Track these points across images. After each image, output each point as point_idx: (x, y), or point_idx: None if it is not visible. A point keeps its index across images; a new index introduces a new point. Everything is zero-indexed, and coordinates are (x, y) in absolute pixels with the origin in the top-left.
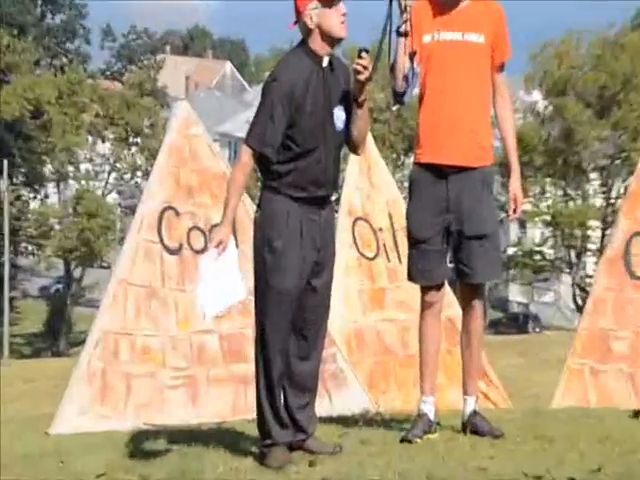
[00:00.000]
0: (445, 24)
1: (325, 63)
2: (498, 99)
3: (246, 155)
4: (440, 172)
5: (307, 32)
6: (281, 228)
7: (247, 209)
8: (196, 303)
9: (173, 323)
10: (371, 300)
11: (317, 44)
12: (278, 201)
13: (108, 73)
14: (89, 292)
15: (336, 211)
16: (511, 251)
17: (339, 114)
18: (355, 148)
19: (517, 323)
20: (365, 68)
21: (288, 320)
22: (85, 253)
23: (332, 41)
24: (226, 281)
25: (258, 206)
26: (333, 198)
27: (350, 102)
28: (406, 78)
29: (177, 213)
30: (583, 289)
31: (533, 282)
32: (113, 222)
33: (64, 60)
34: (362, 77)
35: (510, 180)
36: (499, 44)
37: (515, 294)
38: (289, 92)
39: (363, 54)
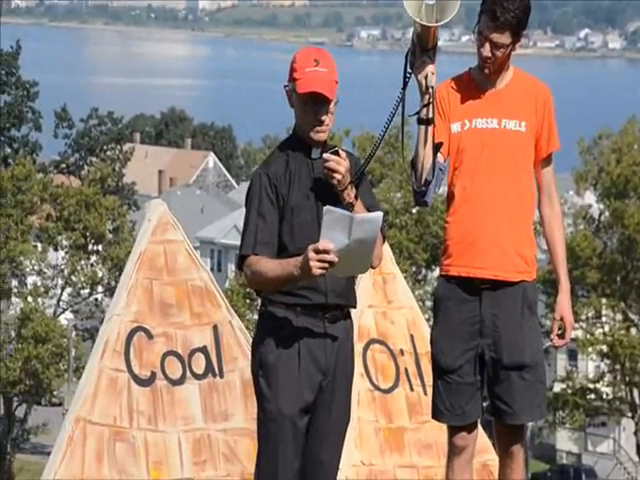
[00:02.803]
0: (478, 109)
1: (315, 154)
2: (544, 199)
3: (246, 268)
4: (472, 287)
5: (293, 112)
6: (273, 344)
7: (237, 335)
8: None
9: (143, 470)
10: (388, 441)
11: (302, 133)
12: (271, 312)
13: (63, 166)
14: (35, 435)
15: None
16: (558, 388)
17: None
18: None
19: (567, 477)
20: (333, 171)
21: (290, 451)
22: (31, 387)
23: (305, 136)
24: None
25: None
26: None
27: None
28: (428, 176)
29: (149, 335)
30: None
31: (586, 427)
32: (66, 348)
33: (8, 150)
34: (334, 181)
35: (558, 298)
36: (544, 133)
37: (564, 441)
38: (272, 184)
39: (326, 155)
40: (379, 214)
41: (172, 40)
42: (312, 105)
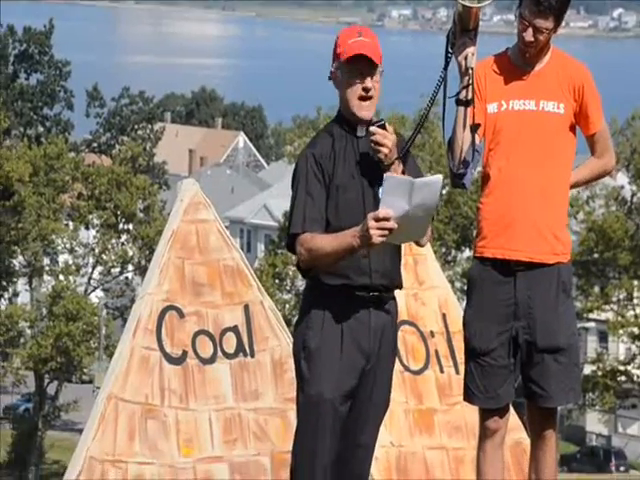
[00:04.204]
0: (515, 91)
1: (361, 133)
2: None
3: (299, 246)
4: (507, 269)
5: (339, 95)
6: (317, 327)
7: (268, 315)
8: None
9: (174, 448)
10: (417, 423)
11: (345, 111)
12: (315, 295)
13: (94, 145)
14: (66, 412)
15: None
16: (589, 370)
17: None
18: None
19: (596, 460)
20: (380, 145)
21: (329, 435)
22: (62, 364)
23: (350, 113)
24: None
25: (300, 308)
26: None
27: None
28: (465, 157)
29: (181, 314)
30: None
31: (616, 409)
32: (97, 326)
33: (40, 129)
34: (381, 155)
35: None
36: (582, 115)
37: (593, 423)
38: (319, 163)
39: (372, 128)
40: (439, 177)
41: (203, 19)
42: (358, 73)
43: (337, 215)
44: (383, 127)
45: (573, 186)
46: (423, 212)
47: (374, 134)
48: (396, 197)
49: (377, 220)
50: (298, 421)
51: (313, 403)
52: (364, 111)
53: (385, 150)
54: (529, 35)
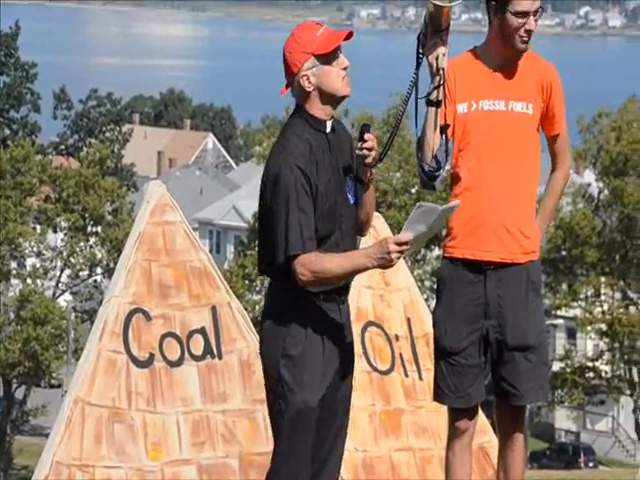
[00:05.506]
0: (485, 90)
1: (328, 129)
2: (556, 163)
3: (301, 267)
4: (477, 268)
5: (304, 96)
6: (297, 333)
7: (236, 316)
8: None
9: (142, 451)
10: (384, 424)
11: (317, 108)
12: (294, 299)
13: (62, 148)
14: (35, 417)
15: None
16: (557, 366)
17: (349, 186)
18: (361, 229)
19: (565, 456)
20: (370, 150)
21: (308, 444)
22: (30, 369)
23: (334, 101)
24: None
25: (268, 310)
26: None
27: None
28: (436, 157)
29: (148, 317)
30: None
31: (585, 405)
32: (65, 330)
33: (7, 132)
34: (369, 160)
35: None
36: (548, 115)
37: (562, 420)
38: (306, 175)
39: (366, 135)
40: (457, 202)
41: (171, 20)
42: (336, 57)
43: (322, 222)
44: (368, 129)
45: (552, 215)
46: (433, 231)
47: (367, 141)
48: (419, 223)
49: (399, 244)
50: (282, 428)
51: (298, 411)
52: (348, 87)
53: (374, 154)
54: (532, 24)
